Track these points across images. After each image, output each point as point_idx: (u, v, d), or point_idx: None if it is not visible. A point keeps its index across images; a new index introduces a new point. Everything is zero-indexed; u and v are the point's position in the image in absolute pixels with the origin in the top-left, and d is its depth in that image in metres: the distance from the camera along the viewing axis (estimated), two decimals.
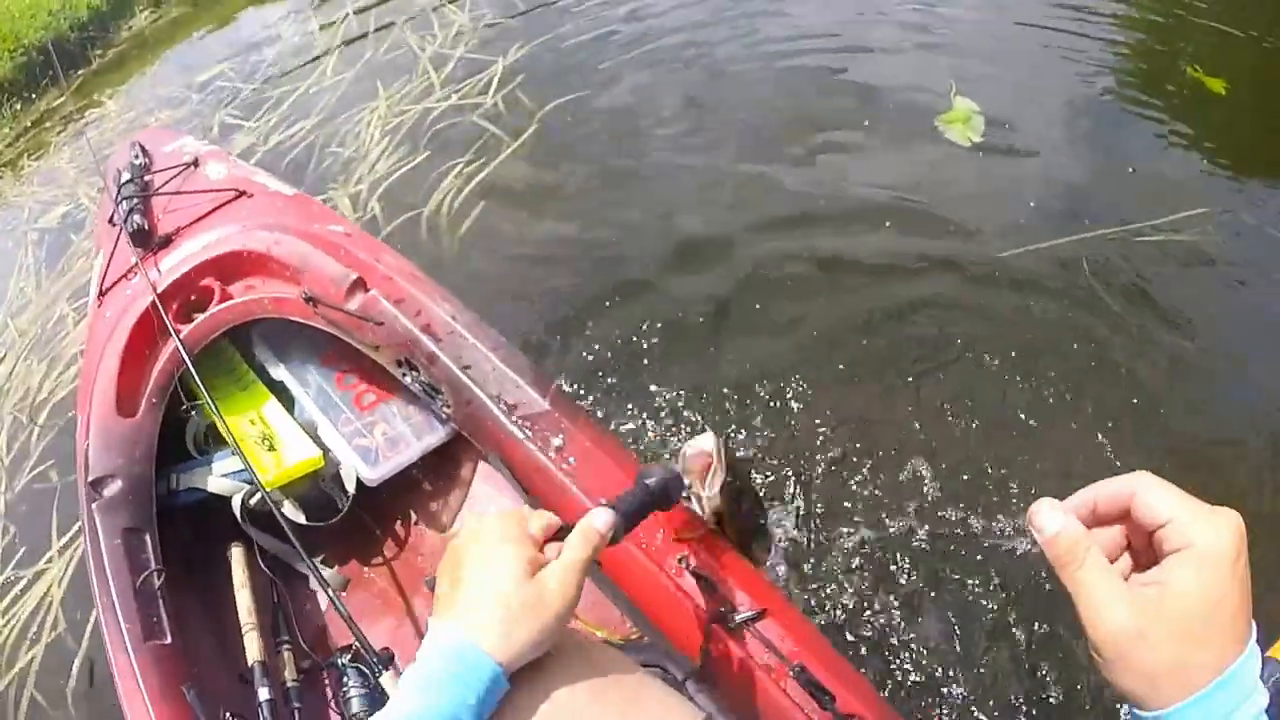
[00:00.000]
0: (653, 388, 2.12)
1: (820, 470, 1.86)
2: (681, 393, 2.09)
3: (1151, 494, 0.58)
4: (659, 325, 2.28)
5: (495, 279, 2.66)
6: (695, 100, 3.22)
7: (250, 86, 4.45)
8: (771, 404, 2.03)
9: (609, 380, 2.17)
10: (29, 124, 5.45)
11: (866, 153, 2.73)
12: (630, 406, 2.09)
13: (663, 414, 2.06)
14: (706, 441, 1.05)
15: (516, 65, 3.75)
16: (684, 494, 1.06)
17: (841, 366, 2.09)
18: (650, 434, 2.03)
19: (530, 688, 0.76)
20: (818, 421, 1.97)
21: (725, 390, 2.08)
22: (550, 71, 3.65)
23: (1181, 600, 0.54)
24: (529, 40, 3.92)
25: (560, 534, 0.82)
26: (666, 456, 1.92)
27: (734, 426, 1.98)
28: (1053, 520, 0.59)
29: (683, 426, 2.02)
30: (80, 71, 5.94)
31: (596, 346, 2.26)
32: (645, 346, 2.24)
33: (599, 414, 2.09)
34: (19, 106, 5.66)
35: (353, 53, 4.45)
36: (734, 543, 1.13)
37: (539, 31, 4.00)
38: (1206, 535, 0.55)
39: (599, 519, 0.81)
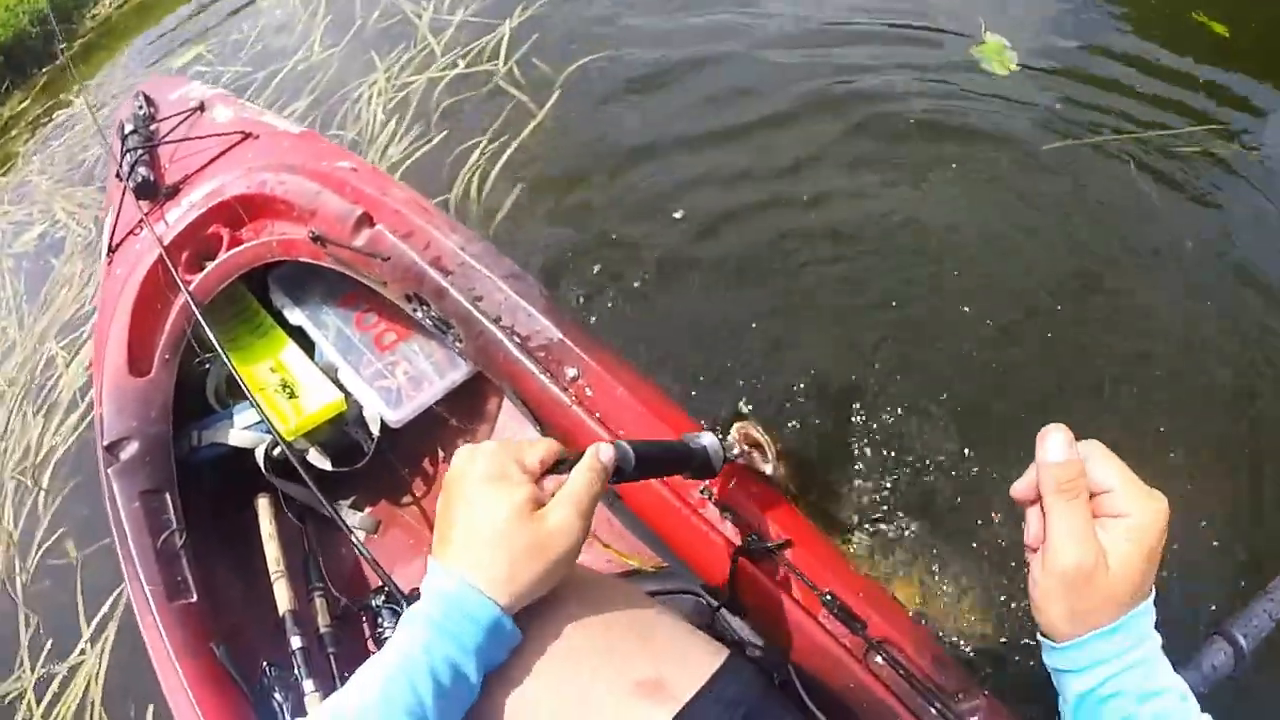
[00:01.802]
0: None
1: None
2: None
3: (1099, 463, 0.68)
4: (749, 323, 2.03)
5: (547, 269, 2.36)
6: (724, 45, 2.95)
7: (232, 69, 4.17)
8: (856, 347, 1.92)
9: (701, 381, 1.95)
10: None
11: (906, 82, 2.59)
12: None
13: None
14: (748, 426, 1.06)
15: (525, 26, 3.41)
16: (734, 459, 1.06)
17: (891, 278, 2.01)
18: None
19: (540, 629, 0.76)
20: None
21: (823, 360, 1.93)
22: (563, 31, 3.33)
23: (1115, 559, 0.66)
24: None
25: (560, 465, 0.78)
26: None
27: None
28: (1066, 448, 0.67)
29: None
30: (44, 69, 5.72)
31: (683, 350, 2.00)
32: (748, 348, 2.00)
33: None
34: None
35: (339, 22, 4.11)
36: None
37: None
38: (1144, 512, 0.66)
39: (604, 452, 0.78)
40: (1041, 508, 0.69)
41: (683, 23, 3.11)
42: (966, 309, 1.91)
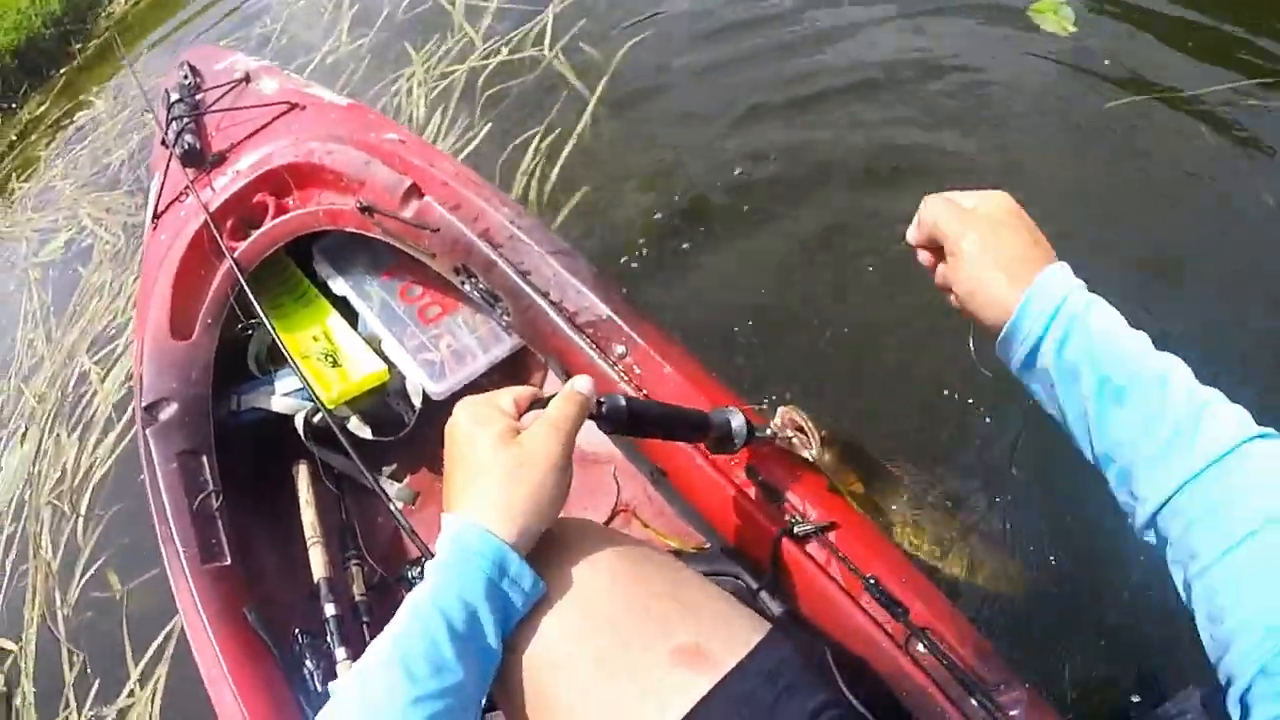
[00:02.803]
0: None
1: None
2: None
3: (927, 211, 0.83)
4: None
5: (612, 256, 2.25)
6: (775, 16, 2.87)
7: (259, 63, 3.95)
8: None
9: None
10: (13, 138, 5.15)
11: (968, 40, 2.56)
12: None
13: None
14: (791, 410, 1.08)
15: (569, 10, 3.30)
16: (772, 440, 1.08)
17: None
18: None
19: (576, 587, 0.77)
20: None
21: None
22: (609, 14, 3.21)
23: (996, 228, 0.79)
24: None
25: (539, 404, 0.82)
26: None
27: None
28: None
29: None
30: (61, 71, 5.65)
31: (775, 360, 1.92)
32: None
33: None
34: None
35: (367, 11, 4.03)
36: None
37: None
38: (985, 196, 0.82)
39: (581, 382, 0.82)
40: (930, 247, 0.85)
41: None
42: None
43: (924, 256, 0.87)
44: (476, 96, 3.07)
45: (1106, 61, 2.36)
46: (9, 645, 2.36)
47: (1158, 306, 1.76)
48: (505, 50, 3.22)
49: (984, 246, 0.78)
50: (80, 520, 2.44)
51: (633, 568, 0.81)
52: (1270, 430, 0.66)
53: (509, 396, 0.81)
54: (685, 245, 2.22)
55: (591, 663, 0.74)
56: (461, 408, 0.80)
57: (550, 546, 0.79)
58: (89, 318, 3.16)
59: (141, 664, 2.06)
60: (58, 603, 2.30)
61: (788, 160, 2.34)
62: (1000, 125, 2.28)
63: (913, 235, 0.86)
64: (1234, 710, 0.59)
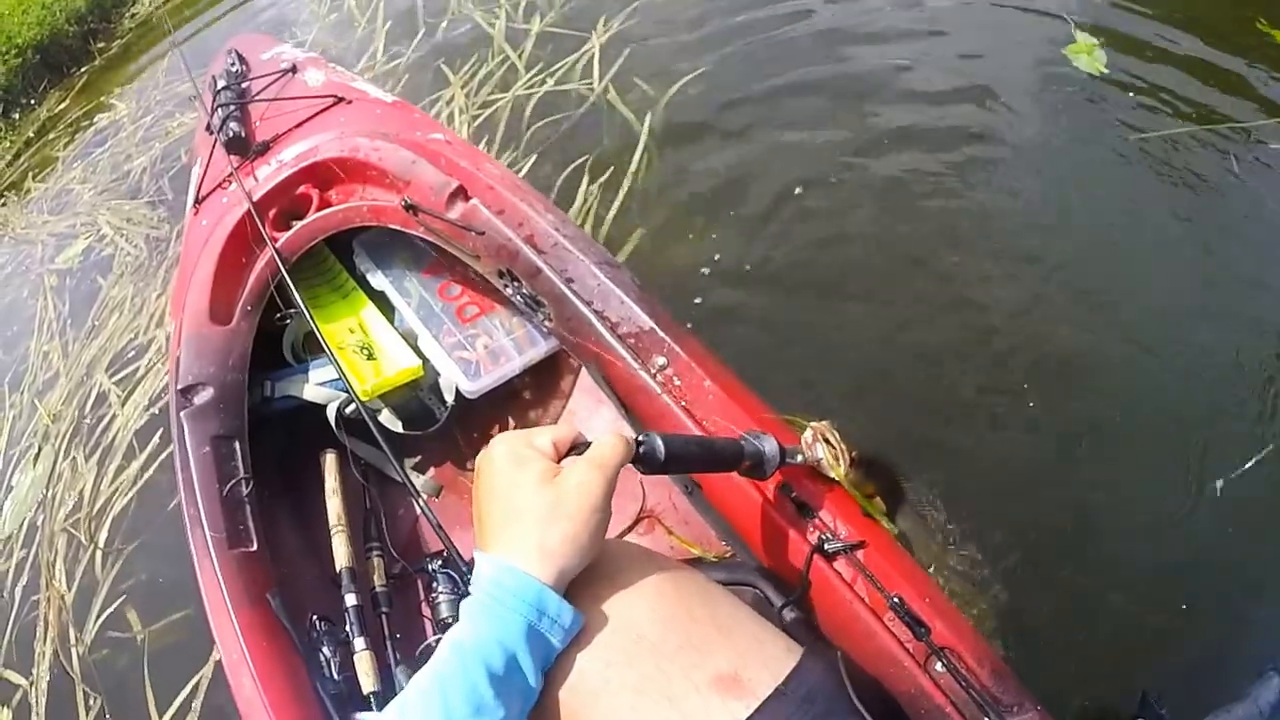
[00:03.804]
0: None
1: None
2: None
3: None
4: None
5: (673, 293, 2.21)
6: (823, 51, 2.89)
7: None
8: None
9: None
10: (31, 135, 5.04)
11: (1008, 92, 2.63)
12: None
13: None
14: (823, 428, 1.12)
15: (615, 40, 3.23)
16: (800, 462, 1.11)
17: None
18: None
19: (615, 616, 0.79)
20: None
21: None
22: (659, 46, 3.16)
23: None
24: (621, 6, 3.38)
25: (577, 449, 0.84)
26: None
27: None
28: None
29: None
30: (83, 69, 5.54)
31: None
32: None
33: None
34: (17, 116, 5.28)
35: (403, 28, 3.95)
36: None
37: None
38: None
39: (627, 431, 0.86)
40: None
41: (781, 27, 3.06)
42: (1081, 325, 1.97)
43: None
44: (523, 128, 2.99)
45: (1133, 95, 2.47)
46: (18, 680, 2.25)
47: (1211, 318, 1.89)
48: (551, 80, 3.16)
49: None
50: (98, 552, 2.32)
51: (671, 591, 0.83)
52: None
53: (548, 436, 0.83)
54: (744, 296, 2.21)
55: (631, 691, 0.75)
56: (500, 443, 0.82)
57: (587, 572, 0.81)
58: (109, 334, 3.04)
59: (169, 714, 1.95)
60: (72, 639, 2.19)
61: (843, 205, 2.36)
62: (1040, 154, 2.37)
63: None
64: None
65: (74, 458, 2.63)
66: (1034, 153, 2.37)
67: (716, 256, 2.30)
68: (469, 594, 0.77)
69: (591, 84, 3.05)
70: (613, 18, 3.33)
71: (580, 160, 2.72)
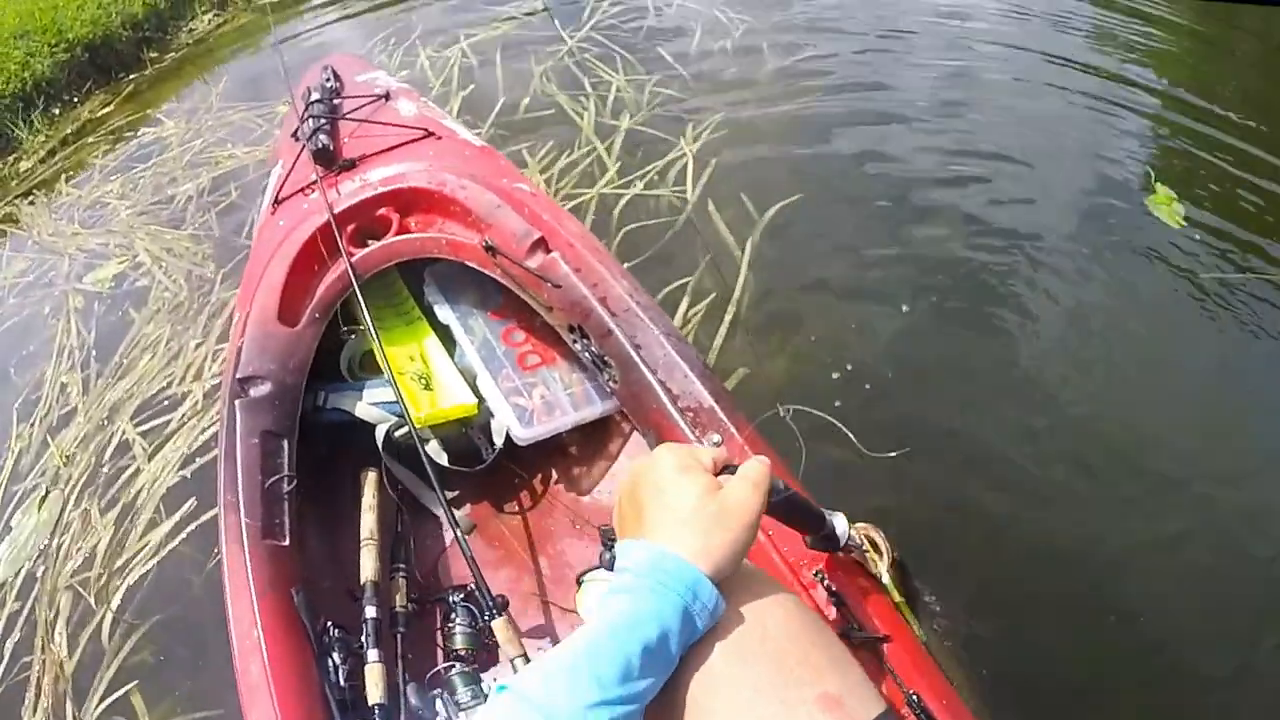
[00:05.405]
0: None
1: None
2: None
3: None
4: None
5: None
6: (925, 184, 2.94)
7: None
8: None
9: None
10: (69, 133, 4.80)
11: (1089, 224, 2.80)
12: None
13: None
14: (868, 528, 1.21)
15: (706, 149, 3.17)
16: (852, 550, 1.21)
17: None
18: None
19: (745, 619, 0.86)
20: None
21: None
22: (750, 160, 3.12)
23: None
24: (710, 114, 3.37)
25: (726, 470, 0.94)
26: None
27: None
28: None
29: None
30: (131, 76, 5.36)
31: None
32: None
33: None
34: (57, 112, 5.07)
35: (481, 98, 3.83)
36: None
37: (721, 106, 3.44)
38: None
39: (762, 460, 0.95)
40: None
41: (866, 161, 3.10)
42: (1143, 457, 2.05)
43: None
44: (612, 228, 2.88)
45: (1211, 241, 2.65)
46: None
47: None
48: (640, 183, 3.07)
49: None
50: (108, 618, 2.09)
51: (798, 613, 0.91)
52: None
53: (709, 455, 0.94)
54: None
55: (751, 689, 0.83)
56: (666, 452, 0.92)
57: (730, 579, 0.88)
58: (139, 377, 2.78)
59: None
60: (69, 714, 1.95)
61: (947, 352, 2.38)
62: (1124, 297, 2.52)
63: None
64: None
65: (86, 509, 2.40)
66: (1114, 299, 2.51)
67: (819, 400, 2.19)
68: (499, 627, 0.87)
69: (684, 193, 2.98)
70: (701, 125, 3.32)
71: (673, 279, 2.61)
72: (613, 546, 1.11)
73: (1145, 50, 3.84)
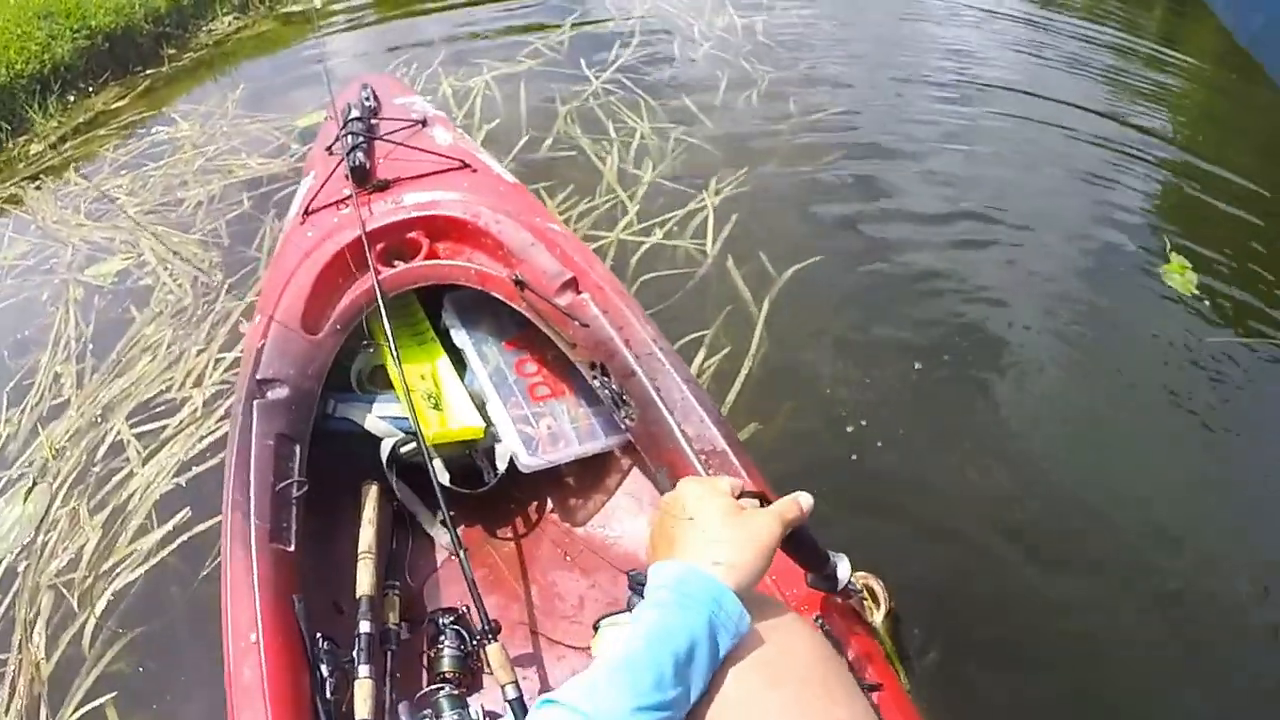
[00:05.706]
0: None
1: None
2: None
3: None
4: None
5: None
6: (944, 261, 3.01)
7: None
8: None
9: None
10: (81, 122, 4.77)
11: (1108, 291, 2.91)
12: None
13: None
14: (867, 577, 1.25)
15: (726, 203, 3.24)
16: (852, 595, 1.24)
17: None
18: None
19: (774, 641, 0.90)
20: None
21: None
22: (770, 218, 3.18)
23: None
24: (733, 170, 3.44)
25: (743, 496, 1.00)
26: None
27: None
28: None
29: None
30: (149, 71, 5.37)
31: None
32: None
33: None
34: (72, 98, 5.03)
35: (503, 134, 3.86)
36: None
37: (744, 161, 3.52)
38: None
39: (806, 498, 1.00)
40: None
41: (889, 220, 3.21)
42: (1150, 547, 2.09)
43: None
44: (628, 274, 2.90)
45: (1221, 306, 2.80)
46: None
47: None
48: (659, 232, 3.12)
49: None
50: (91, 623, 2.03)
51: (823, 645, 0.96)
52: None
53: (727, 484, 1.00)
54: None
55: (778, 709, 0.86)
56: (690, 484, 0.99)
57: (757, 602, 0.93)
58: (136, 377, 2.74)
59: None
60: (42, 718, 1.90)
61: (961, 421, 2.43)
62: (1134, 362, 2.63)
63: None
64: None
65: (75, 507, 2.34)
66: (1126, 366, 2.62)
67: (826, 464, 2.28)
68: (492, 652, 0.96)
69: (704, 245, 3.03)
70: (724, 180, 3.37)
71: (689, 331, 2.64)
72: (640, 589, 1.13)
73: (1166, 114, 4.14)
